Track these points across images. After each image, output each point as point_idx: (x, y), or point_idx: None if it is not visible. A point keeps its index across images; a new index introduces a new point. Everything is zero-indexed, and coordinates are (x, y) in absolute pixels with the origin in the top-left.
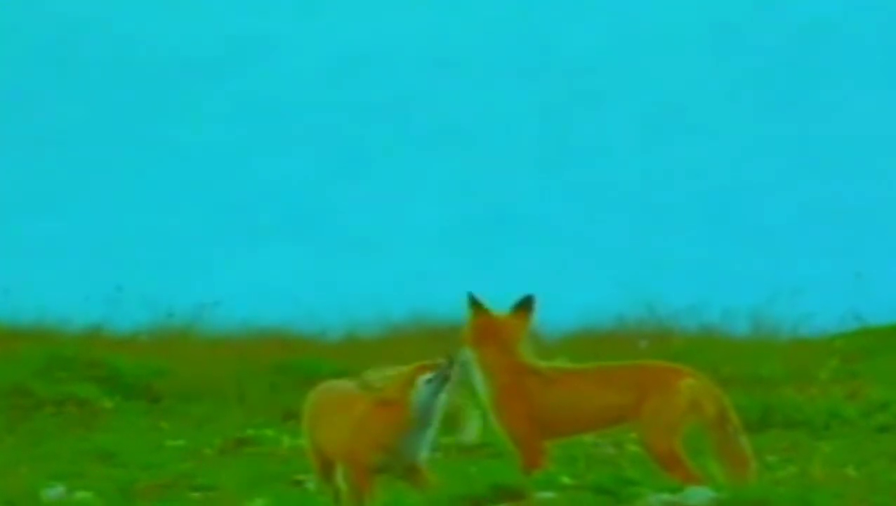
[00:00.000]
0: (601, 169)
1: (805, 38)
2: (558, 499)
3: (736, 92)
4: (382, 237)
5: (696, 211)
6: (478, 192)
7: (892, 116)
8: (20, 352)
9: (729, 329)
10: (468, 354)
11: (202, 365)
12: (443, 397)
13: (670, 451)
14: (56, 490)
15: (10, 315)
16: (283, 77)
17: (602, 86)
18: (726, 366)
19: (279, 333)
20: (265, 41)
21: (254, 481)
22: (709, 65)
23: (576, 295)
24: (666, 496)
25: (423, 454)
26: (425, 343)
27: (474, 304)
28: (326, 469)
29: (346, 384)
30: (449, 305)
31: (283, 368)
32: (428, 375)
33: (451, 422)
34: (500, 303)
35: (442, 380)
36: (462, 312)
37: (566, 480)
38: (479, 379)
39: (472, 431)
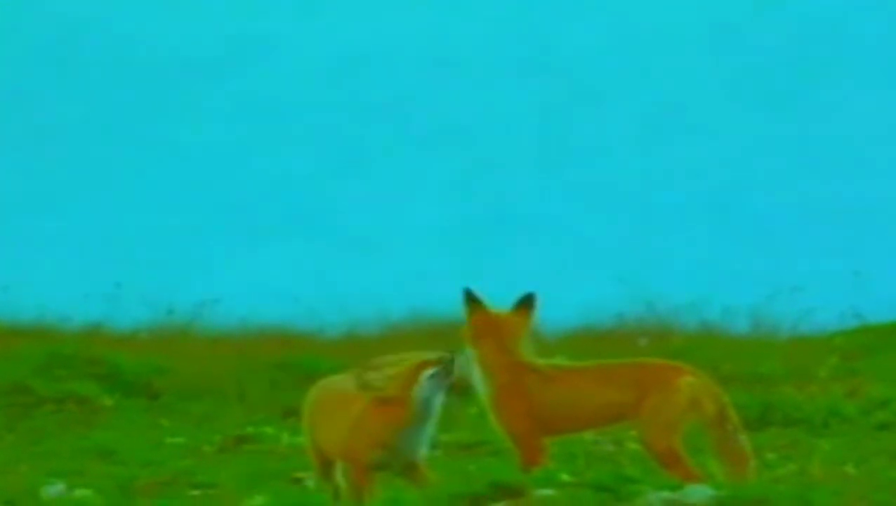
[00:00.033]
0: (601, 167)
1: (805, 37)
2: (558, 497)
3: (736, 90)
4: (382, 236)
5: (695, 209)
6: (477, 190)
7: (891, 115)
8: (20, 350)
9: (729, 327)
10: (468, 351)
11: (202, 363)
12: (442, 394)
13: (670, 449)
14: (56, 488)
15: (9, 313)
16: (283, 76)
17: (602, 85)
18: (726, 364)
19: (279, 331)
20: (265, 41)
21: (253, 478)
22: (708, 64)
23: (575, 293)
24: (665, 494)
25: (423, 452)
26: (425, 341)
27: (471, 300)
28: (326, 467)
29: (345, 381)
30: (448, 303)
31: (283, 365)
32: (431, 371)
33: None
34: (499, 301)
35: (444, 375)
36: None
37: (566, 477)
38: (478, 377)
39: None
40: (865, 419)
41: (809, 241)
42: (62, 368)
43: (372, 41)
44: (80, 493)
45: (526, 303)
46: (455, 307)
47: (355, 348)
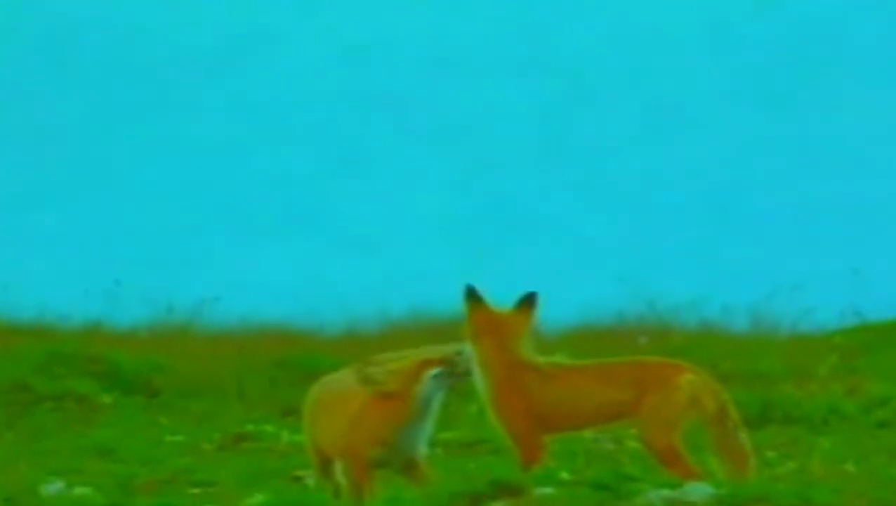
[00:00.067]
0: (601, 166)
1: (804, 36)
2: (557, 495)
3: (735, 89)
4: (382, 233)
5: (695, 207)
6: (478, 188)
7: (890, 114)
8: (19, 348)
9: (728, 325)
10: (467, 348)
11: (201, 361)
12: (443, 393)
13: (670, 447)
14: (55, 486)
15: (9, 311)
16: (283, 73)
17: (602, 83)
18: (726, 362)
19: (278, 329)
20: (265, 37)
21: (253, 476)
22: (708, 62)
23: (575, 291)
24: (665, 492)
25: (422, 448)
26: (425, 339)
27: (472, 297)
28: (326, 465)
29: (346, 379)
30: (448, 301)
31: (283, 363)
32: (435, 371)
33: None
34: (499, 299)
35: (449, 376)
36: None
37: (565, 475)
38: (478, 374)
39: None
40: (865, 417)
41: (809, 239)
42: (61, 366)
43: (372, 39)
44: (79, 491)
45: (527, 302)
46: (455, 305)
47: (355, 346)
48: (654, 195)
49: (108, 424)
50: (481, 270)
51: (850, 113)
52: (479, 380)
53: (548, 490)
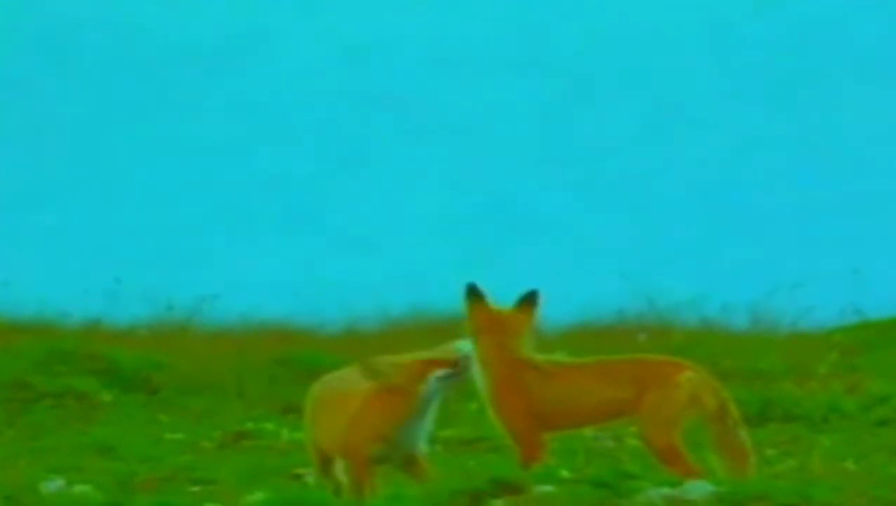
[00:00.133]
0: (601, 164)
1: (803, 34)
2: (557, 493)
3: (735, 88)
4: (382, 231)
5: (695, 205)
6: (477, 186)
7: (890, 112)
8: (19, 345)
9: (728, 323)
10: (469, 346)
11: (201, 358)
12: (446, 393)
13: (670, 445)
14: (55, 483)
15: (9, 309)
16: (283, 72)
17: (602, 81)
18: (726, 360)
19: (278, 327)
20: (265, 36)
21: (253, 474)
22: (708, 61)
23: (575, 289)
24: (665, 490)
25: (422, 445)
26: (424, 337)
27: (474, 295)
28: (326, 463)
29: (347, 377)
30: (448, 298)
31: (283, 361)
32: (441, 372)
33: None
34: (499, 298)
35: (453, 378)
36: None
37: (565, 473)
38: (478, 372)
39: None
40: (865, 415)
41: (809, 238)
42: (61, 363)
43: (372, 39)
44: (79, 488)
45: (529, 300)
46: (455, 303)
47: (355, 344)
48: (655, 194)
49: (108, 421)
50: (481, 270)
51: (850, 112)
52: (479, 378)
53: (548, 488)
